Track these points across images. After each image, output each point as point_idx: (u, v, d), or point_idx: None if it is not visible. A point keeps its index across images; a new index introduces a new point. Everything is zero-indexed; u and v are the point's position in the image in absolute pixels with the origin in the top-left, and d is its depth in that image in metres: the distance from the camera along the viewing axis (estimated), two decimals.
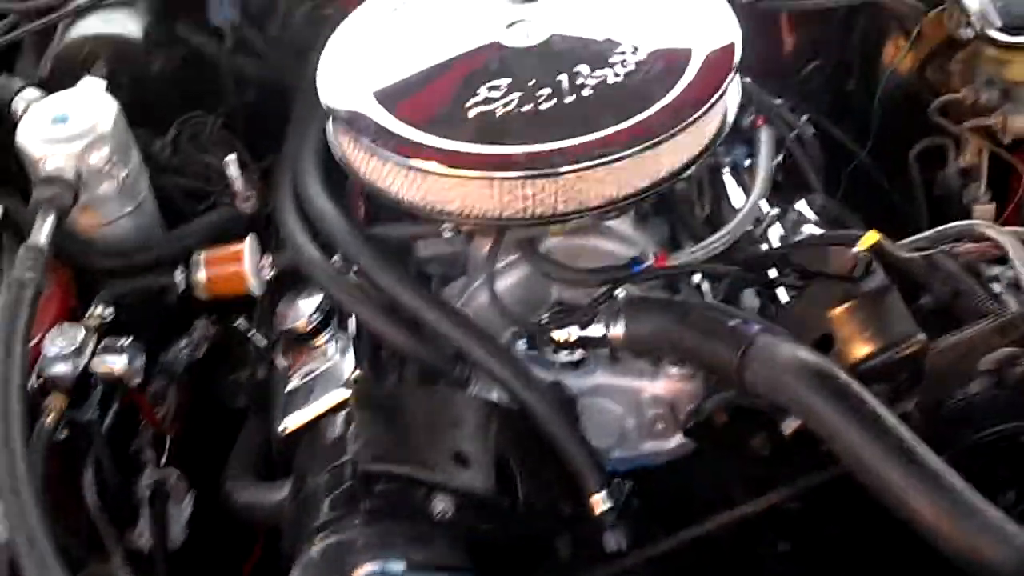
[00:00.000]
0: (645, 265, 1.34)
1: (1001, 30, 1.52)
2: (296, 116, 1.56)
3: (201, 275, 1.44)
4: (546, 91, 1.34)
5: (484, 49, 1.42)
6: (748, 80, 1.51)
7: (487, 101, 1.34)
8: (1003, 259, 1.24)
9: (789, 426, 1.20)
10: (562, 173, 1.26)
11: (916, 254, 1.25)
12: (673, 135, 1.29)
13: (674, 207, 1.49)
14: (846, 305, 1.17)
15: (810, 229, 1.38)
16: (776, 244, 1.41)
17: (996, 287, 1.25)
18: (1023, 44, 1.51)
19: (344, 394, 1.32)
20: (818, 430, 1.06)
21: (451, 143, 1.30)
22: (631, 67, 1.37)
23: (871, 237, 1.21)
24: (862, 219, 1.63)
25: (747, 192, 1.46)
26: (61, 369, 1.28)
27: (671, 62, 1.37)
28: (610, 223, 1.38)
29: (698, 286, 1.42)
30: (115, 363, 1.33)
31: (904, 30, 1.68)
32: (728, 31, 1.40)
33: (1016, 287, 1.22)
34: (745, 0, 1.65)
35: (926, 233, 1.31)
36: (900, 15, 1.68)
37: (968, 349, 1.18)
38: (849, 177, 1.79)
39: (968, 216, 1.64)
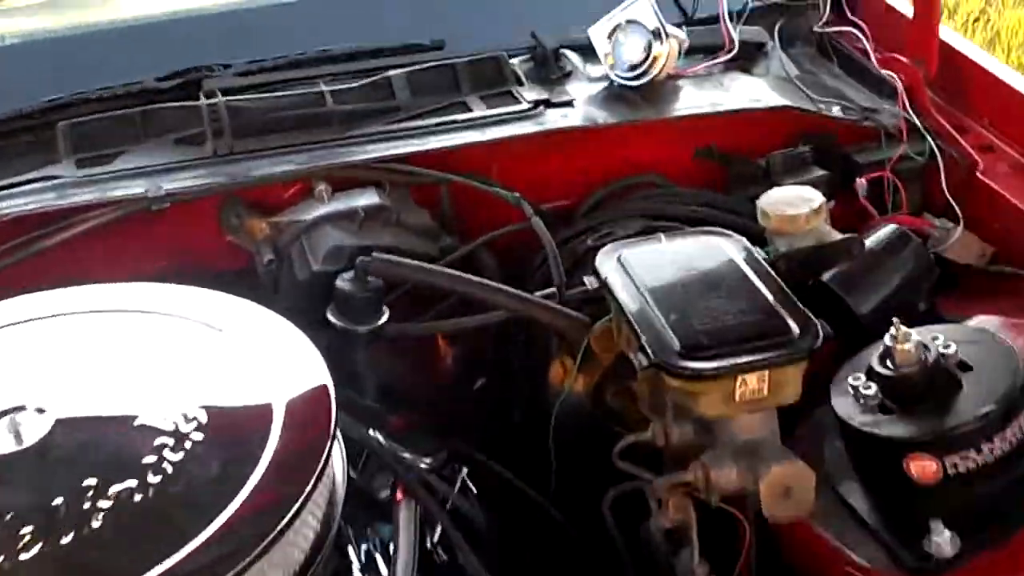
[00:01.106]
0: None
1: (681, 354, 1.09)
2: None
3: None
4: (30, 529, 0.88)
5: None
6: (380, 436, 1.23)
7: None
8: None
9: None
10: None
11: None
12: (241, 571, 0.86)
13: None
14: None
15: None
16: None
17: None
18: (714, 372, 1.09)
19: None
20: None
21: None
22: (171, 468, 0.93)
23: None
24: None
25: None
26: None
27: (236, 446, 0.96)
28: None
29: None
30: None
31: (569, 348, 1.31)
32: (315, 378, 1.02)
33: None
34: (364, 329, 1.37)
35: None
36: (559, 330, 1.31)
37: None
38: (539, 532, 1.43)
39: None
